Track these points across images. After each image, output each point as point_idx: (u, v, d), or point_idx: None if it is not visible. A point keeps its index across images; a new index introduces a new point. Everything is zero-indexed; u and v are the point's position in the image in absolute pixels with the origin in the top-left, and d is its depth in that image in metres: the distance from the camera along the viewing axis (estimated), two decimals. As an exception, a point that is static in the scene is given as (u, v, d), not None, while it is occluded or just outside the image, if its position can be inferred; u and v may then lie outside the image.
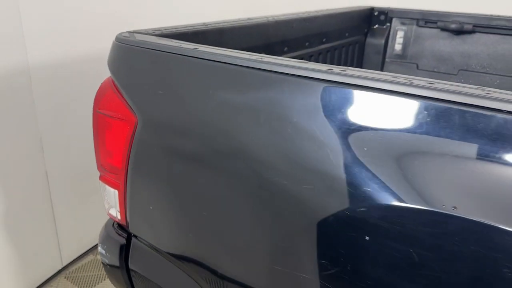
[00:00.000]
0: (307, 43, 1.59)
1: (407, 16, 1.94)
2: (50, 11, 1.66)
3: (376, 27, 2.01)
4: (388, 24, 1.99)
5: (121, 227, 1.04)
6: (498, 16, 1.75)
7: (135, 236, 1.01)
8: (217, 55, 0.77)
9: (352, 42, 1.93)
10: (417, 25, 1.93)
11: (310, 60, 1.65)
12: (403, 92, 0.60)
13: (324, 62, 1.74)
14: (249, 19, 1.34)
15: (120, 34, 0.96)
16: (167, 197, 0.88)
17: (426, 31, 1.92)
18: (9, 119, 1.60)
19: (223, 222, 0.78)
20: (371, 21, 2.01)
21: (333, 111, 0.64)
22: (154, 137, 0.86)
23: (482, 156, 0.53)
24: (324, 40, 1.69)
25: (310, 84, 0.67)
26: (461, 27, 1.81)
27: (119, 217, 1.01)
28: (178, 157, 0.83)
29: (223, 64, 0.76)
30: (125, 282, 1.02)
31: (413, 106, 0.59)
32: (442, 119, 0.56)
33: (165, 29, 1.04)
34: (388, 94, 0.61)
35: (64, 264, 2.05)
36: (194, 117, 0.79)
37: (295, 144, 0.67)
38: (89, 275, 2.04)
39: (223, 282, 0.82)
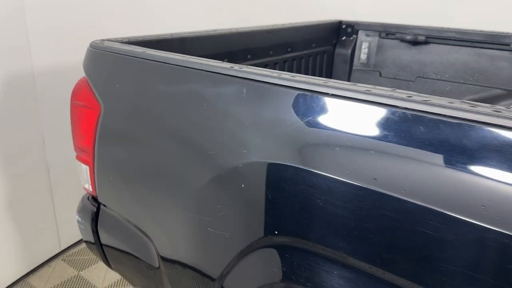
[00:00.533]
0: (271, 52, 1.82)
1: (370, 28, 2.15)
2: (53, 23, 1.93)
3: (344, 39, 2.22)
4: (355, 36, 2.20)
5: (94, 199, 1.27)
6: (448, 28, 1.95)
7: (104, 205, 1.24)
8: (155, 56, 1.00)
9: (320, 52, 2.14)
10: (380, 36, 2.14)
11: (275, 67, 1.88)
12: (273, 83, 0.81)
13: (290, 69, 1.96)
14: (213, 30, 1.58)
15: (93, 41, 1.20)
16: (121, 170, 1.11)
17: (387, 42, 2.13)
18: (15, 116, 1.86)
19: (157, 185, 1.01)
20: (340, 33, 2.23)
21: (230, 98, 0.86)
22: (112, 121, 1.09)
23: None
24: (289, 49, 1.91)
25: (213, 77, 0.89)
26: (416, 38, 2.01)
27: (91, 189, 1.24)
28: (128, 136, 1.06)
29: (159, 63, 0.99)
30: (95, 240, 1.25)
31: (281, 91, 0.80)
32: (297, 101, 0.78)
33: (133, 38, 1.29)
34: (257, 82, 0.82)
35: (62, 248, 2.30)
36: (139, 104, 1.02)
37: (206, 121, 0.89)
38: (84, 258, 2.27)
39: (158, 227, 1.04)
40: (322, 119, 0.72)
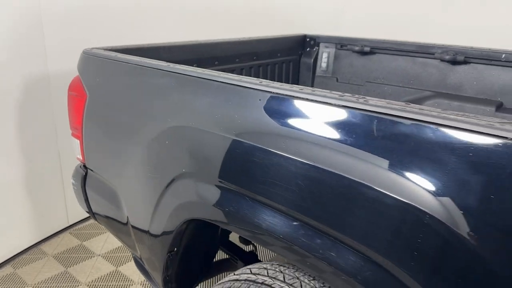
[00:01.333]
0: (237, 60, 2.23)
1: (329, 41, 2.55)
2: (65, 36, 2.40)
3: (308, 50, 2.62)
4: (317, 47, 2.60)
5: (84, 166, 1.70)
6: (388, 40, 2.33)
7: (91, 170, 1.66)
8: (122, 58, 1.42)
9: (287, 61, 2.55)
10: (336, 48, 2.53)
11: (241, 73, 2.28)
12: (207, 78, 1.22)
13: (257, 74, 2.36)
14: (186, 41, 2.00)
15: (85, 49, 1.64)
16: (99, 141, 1.53)
17: (342, 52, 2.51)
18: (33, 110, 2.33)
19: (120, 147, 1.42)
20: (305, 45, 2.63)
21: (164, 87, 1.27)
22: (94, 106, 1.52)
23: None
24: (254, 58, 2.32)
25: (154, 72, 1.30)
26: (362, 49, 2.39)
27: (81, 158, 1.67)
28: (103, 116, 1.48)
29: (124, 63, 1.41)
30: (84, 198, 1.68)
31: (202, 83, 1.20)
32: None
33: (116, 47, 1.71)
34: (191, 76, 1.23)
35: (70, 223, 2.74)
36: (112, 93, 1.45)
37: (151, 102, 1.30)
38: (88, 232, 2.70)
39: (121, 183, 1.45)
40: (213, 96, 1.11)
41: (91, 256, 2.46)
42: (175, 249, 1.29)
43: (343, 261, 0.88)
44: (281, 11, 3.63)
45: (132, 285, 2.23)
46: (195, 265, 1.42)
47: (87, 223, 2.81)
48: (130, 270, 2.34)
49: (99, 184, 1.61)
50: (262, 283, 1.08)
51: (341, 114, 0.87)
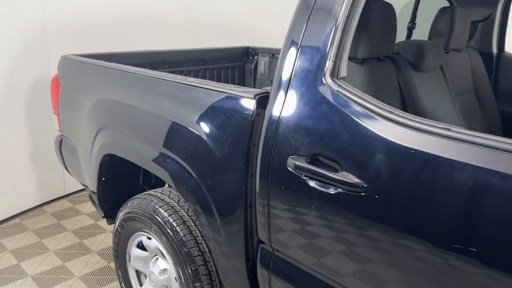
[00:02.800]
0: (185, 64, 2.97)
1: (265, 52, 3.26)
2: (68, 42, 3.22)
3: (250, 58, 3.34)
4: (256, 56, 3.31)
5: (61, 134, 2.47)
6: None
7: (65, 137, 2.43)
8: (82, 59, 2.18)
9: (232, 67, 3.27)
10: (270, 57, 3.24)
11: (189, 74, 3.02)
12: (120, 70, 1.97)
13: (204, 76, 3.09)
14: (140, 50, 2.76)
15: (63, 54, 2.42)
16: (68, 114, 2.29)
17: (274, 60, 3.22)
18: (37, 103, 3.14)
19: (77, 114, 2.18)
20: (248, 54, 3.35)
21: (99, 77, 2.02)
22: (64, 92, 2.29)
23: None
24: (201, 63, 3.06)
25: (97, 68, 2.05)
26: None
27: (59, 129, 2.44)
28: (70, 97, 2.25)
29: (84, 64, 2.17)
30: (60, 156, 2.45)
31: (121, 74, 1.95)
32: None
33: (85, 54, 2.49)
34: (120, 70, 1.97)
35: (67, 192, 3.53)
36: (75, 83, 2.21)
37: (91, 87, 2.05)
38: (81, 199, 3.48)
39: (78, 141, 2.21)
40: (125, 81, 1.85)
41: (80, 214, 3.23)
42: (103, 178, 2.02)
43: (169, 166, 1.59)
44: (241, 29, 4.38)
45: (105, 232, 2.98)
46: (122, 195, 2.13)
47: (80, 194, 3.59)
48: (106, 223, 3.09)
49: (68, 146, 2.37)
50: (158, 197, 1.77)
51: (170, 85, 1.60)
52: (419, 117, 1.05)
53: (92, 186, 2.13)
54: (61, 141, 2.44)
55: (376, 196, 1.05)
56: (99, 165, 1.98)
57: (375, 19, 1.57)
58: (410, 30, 2.38)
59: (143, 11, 3.70)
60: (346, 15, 1.23)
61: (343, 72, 1.27)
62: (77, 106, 2.13)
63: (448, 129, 0.98)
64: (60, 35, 3.20)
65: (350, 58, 1.53)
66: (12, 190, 3.12)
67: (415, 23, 2.35)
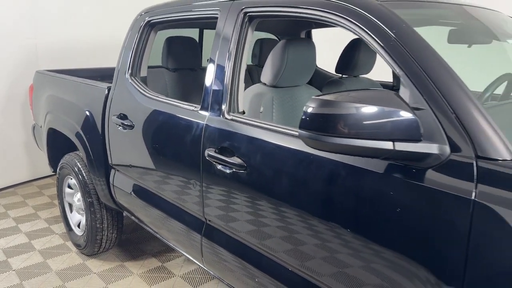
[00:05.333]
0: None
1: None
2: (57, 66, 4.51)
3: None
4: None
5: (35, 123, 3.71)
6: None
7: (36, 123, 3.67)
8: (49, 73, 3.43)
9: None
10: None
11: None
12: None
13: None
14: (95, 67, 3.99)
15: (38, 70, 3.68)
16: (40, 110, 3.54)
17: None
18: (26, 107, 4.43)
19: (44, 109, 3.42)
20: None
21: (54, 83, 3.25)
22: (36, 93, 3.53)
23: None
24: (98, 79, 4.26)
25: (53, 78, 3.29)
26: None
27: (33, 118, 3.69)
28: (40, 97, 3.49)
29: (49, 76, 3.41)
30: (33, 136, 3.69)
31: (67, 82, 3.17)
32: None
33: (55, 69, 3.74)
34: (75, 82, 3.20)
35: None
36: (41, 87, 3.46)
37: (48, 88, 3.28)
38: (49, 183, 4.72)
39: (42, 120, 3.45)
40: (70, 86, 3.06)
41: (56, 186, 4.46)
42: (49, 145, 3.23)
43: (74, 133, 2.78)
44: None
45: (69, 195, 4.18)
46: (60, 155, 3.31)
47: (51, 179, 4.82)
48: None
49: (37, 129, 3.60)
50: (76, 154, 2.96)
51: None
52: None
53: (44, 146, 3.35)
54: (34, 127, 3.69)
55: (252, 172, 1.58)
56: (46, 136, 3.19)
57: (177, 49, 2.74)
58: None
59: (117, 39, 4.97)
60: (137, 44, 2.40)
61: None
62: (40, 101, 3.37)
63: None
64: (49, 58, 4.49)
65: (164, 67, 2.70)
66: (9, 167, 4.38)
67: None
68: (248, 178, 1.59)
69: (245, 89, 1.88)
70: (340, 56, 2.48)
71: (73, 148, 3.30)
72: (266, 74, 1.97)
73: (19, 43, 4.30)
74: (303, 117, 1.09)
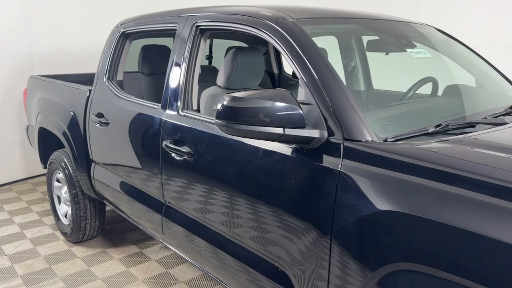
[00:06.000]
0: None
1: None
2: (51, 71, 4.85)
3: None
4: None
5: (29, 123, 4.05)
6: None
7: (30, 124, 4.00)
8: (42, 78, 3.77)
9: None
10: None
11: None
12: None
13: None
14: (83, 72, 4.33)
15: (31, 75, 4.02)
16: (30, 109, 3.87)
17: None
18: (21, 110, 4.77)
19: (35, 110, 3.76)
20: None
21: (44, 86, 3.59)
22: (29, 95, 3.87)
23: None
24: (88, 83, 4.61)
25: (44, 81, 3.63)
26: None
27: (27, 119, 4.02)
28: (32, 99, 3.83)
29: (41, 80, 3.75)
30: (27, 136, 4.03)
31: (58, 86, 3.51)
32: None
33: (48, 74, 4.08)
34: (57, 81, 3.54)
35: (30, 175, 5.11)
36: (34, 90, 3.80)
37: (40, 91, 3.61)
38: (43, 181, 5.05)
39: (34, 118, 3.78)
40: (58, 89, 3.40)
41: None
42: (40, 142, 3.56)
43: (60, 130, 3.11)
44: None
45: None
46: (49, 152, 3.63)
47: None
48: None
49: (31, 128, 3.94)
50: (64, 151, 3.29)
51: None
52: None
53: (35, 142, 3.68)
54: (27, 127, 4.02)
55: (198, 158, 1.91)
56: (37, 135, 3.52)
57: (151, 55, 3.07)
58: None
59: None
60: (113, 51, 2.74)
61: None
62: (32, 103, 3.71)
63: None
64: (43, 65, 4.84)
65: (140, 72, 3.04)
66: (5, 165, 4.71)
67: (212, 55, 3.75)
68: (194, 163, 1.92)
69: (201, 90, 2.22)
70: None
71: (61, 145, 3.62)
72: (220, 78, 2.30)
73: (16, 52, 4.65)
74: (218, 109, 1.42)
